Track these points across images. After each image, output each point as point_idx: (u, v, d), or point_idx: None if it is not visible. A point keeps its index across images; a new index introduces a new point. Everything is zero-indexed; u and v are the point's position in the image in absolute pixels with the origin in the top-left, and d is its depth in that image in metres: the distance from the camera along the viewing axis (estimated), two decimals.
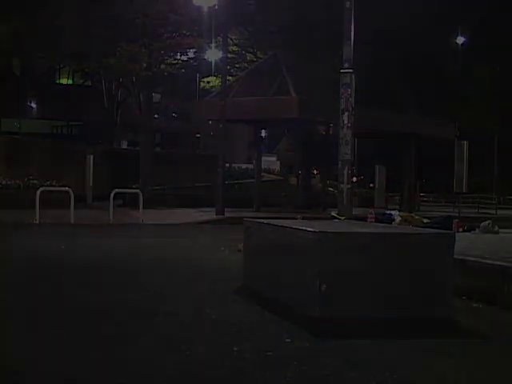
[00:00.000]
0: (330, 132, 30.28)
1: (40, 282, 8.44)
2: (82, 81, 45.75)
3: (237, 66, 34.99)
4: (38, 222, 17.42)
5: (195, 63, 34.22)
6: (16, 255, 11.14)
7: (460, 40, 36.85)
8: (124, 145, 42.86)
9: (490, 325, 6.55)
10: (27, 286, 8.10)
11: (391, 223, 15.82)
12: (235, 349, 5.35)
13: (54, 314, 6.55)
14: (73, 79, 47.85)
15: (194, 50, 31.25)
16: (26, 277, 8.89)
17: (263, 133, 43.69)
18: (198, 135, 51.08)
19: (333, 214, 14.86)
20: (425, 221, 17.50)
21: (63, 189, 19.63)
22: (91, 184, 26.33)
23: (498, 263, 7.64)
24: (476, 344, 5.80)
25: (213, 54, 33.47)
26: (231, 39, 30.28)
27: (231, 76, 31.03)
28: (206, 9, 25.83)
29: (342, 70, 14.44)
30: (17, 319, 6.34)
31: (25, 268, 9.70)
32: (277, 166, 47.56)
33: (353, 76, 14.28)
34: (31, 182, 24.86)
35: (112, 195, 19.18)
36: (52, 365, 4.86)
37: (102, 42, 26.26)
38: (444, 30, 33.00)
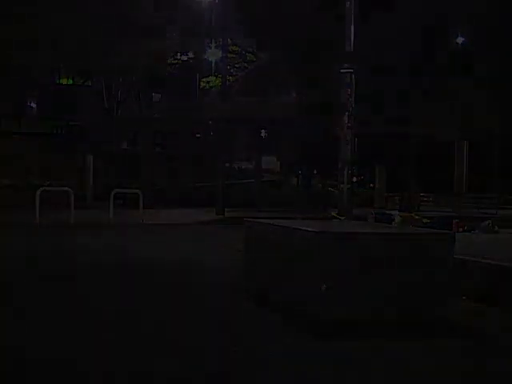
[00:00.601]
0: (330, 132, 30.26)
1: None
2: (82, 81, 45.72)
3: (237, 65, 34.99)
4: (38, 222, 17.41)
5: (195, 63, 34.24)
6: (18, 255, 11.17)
7: (460, 40, 36.85)
8: (124, 145, 42.81)
9: (489, 325, 6.54)
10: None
11: (391, 223, 15.81)
12: (235, 349, 5.35)
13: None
14: (73, 79, 47.81)
15: (193, 50, 31.26)
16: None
17: (263, 133, 43.67)
18: (198, 135, 51.03)
19: (333, 213, 14.84)
20: (425, 221, 17.47)
21: (63, 189, 19.61)
22: (91, 184, 26.32)
23: (498, 263, 7.64)
24: (475, 344, 5.80)
25: (213, 54, 33.48)
26: (231, 39, 30.29)
27: (231, 76, 31.03)
28: (206, 9, 25.84)
29: (341, 70, 14.42)
30: None
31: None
32: (277, 166, 47.50)
33: (353, 76, 14.27)
34: (31, 182, 24.86)
35: (112, 195, 19.17)
36: None
37: (102, 41, 26.28)
38: (444, 29, 33.00)
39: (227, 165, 29.80)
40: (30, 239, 14.08)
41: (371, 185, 41.64)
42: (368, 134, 29.65)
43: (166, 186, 28.97)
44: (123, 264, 10.40)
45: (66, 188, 19.28)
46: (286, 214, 22.34)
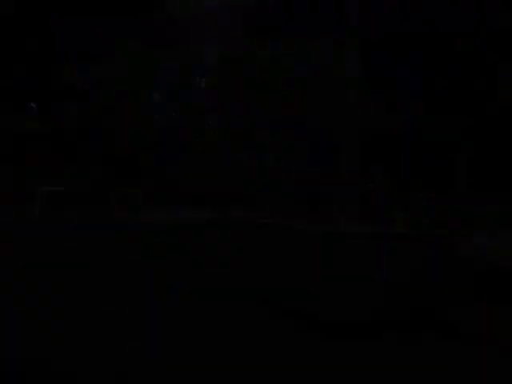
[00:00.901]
0: (332, 131, 30.20)
1: None
2: (82, 80, 45.62)
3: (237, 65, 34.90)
4: (37, 221, 17.39)
5: (195, 63, 34.17)
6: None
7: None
8: (125, 144, 42.71)
9: (489, 325, 6.54)
10: None
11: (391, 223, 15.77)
12: (242, 347, 5.35)
13: None
14: (73, 79, 47.74)
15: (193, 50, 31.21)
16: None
17: (263, 132, 43.61)
18: (198, 135, 50.97)
19: (333, 214, 14.83)
20: (425, 221, 17.43)
21: (63, 188, 19.56)
22: (92, 183, 26.25)
23: (498, 263, 7.64)
24: (476, 344, 5.79)
25: (213, 54, 33.40)
26: (231, 39, 30.23)
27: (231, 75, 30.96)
28: (206, 8, 25.83)
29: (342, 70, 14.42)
30: None
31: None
32: (278, 166, 47.43)
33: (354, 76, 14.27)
34: (31, 181, 24.78)
35: (112, 195, 19.15)
36: None
37: (101, 41, 26.25)
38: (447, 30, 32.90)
39: (228, 164, 29.74)
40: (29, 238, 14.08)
41: (371, 185, 41.61)
42: (369, 133, 29.62)
43: (167, 184, 28.90)
44: (122, 266, 10.38)
45: (66, 188, 19.24)
46: (287, 214, 22.34)
